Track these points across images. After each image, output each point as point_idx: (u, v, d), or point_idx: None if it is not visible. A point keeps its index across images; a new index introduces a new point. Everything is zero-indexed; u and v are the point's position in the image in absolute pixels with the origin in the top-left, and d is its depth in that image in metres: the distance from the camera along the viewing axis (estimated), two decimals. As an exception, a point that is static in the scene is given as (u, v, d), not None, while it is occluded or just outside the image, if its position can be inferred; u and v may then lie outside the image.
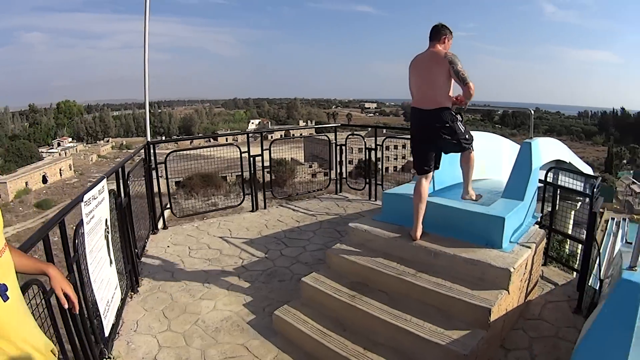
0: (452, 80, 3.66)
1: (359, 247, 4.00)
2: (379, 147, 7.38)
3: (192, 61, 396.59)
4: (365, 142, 7.51)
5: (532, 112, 4.48)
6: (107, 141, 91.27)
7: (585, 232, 4.01)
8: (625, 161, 67.51)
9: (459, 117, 3.84)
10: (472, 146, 3.92)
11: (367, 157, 7.48)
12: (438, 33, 3.72)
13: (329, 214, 6.66)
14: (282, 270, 4.79)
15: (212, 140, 44.58)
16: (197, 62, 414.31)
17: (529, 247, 3.60)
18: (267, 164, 7.17)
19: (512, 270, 3.20)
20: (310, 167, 35.60)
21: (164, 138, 70.43)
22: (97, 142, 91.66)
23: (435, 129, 3.73)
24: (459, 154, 3.99)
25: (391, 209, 4.24)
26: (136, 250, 4.52)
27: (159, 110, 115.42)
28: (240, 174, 6.89)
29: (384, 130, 8.78)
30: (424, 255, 3.60)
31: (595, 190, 4.03)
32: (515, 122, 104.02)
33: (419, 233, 3.79)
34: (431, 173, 3.92)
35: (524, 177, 4.10)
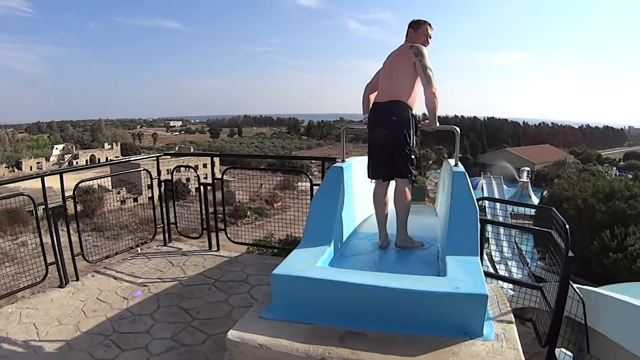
0: (419, 82, 3.64)
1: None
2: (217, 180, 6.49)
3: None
4: (198, 174, 6.59)
5: (458, 131, 3.92)
6: None
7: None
8: (431, 162, 76.69)
9: (418, 130, 3.78)
10: (414, 177, 3.78)
11: (203, 193, 6.42)
12: (408, 28, 3.80)
13: (165, 280, 5.43)
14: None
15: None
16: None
17: (512, 322, 3.05)
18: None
19: None
20: (119, 193, 35.35)
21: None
22: None
23: (386, 124, 3.66)
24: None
25: (289, 299, 3.08)
26: None
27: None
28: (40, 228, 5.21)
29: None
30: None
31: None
32: (321, 133, 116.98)
33: (384, 240, 3.83)
34: (387, 180, 3.85)
35: (472, 221, 3.52)
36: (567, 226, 3.91)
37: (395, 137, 3.65)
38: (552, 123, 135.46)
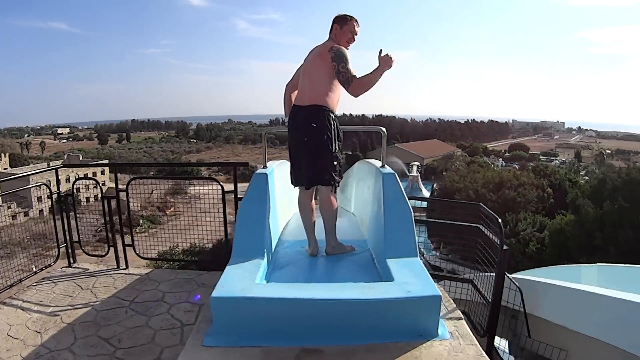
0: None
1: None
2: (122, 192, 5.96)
3: None
4: (100, 187, 6.10)
5: (385, 132, 4.08)
6: None
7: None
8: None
9: (340, 135, 3.74)
10: (337, 185, 3.80)
11: (107, 207, 5.94)
12: (333, 24, 3.75)
13: (76, 307, 4.95)
14: None
15: None
16: None
17: (461, 318, 3.26)
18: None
19: None
20: (9, 208, 33.57)
21: None
22: None
23: (306, 131, 3.64)
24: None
25: (233, 322, 2.91)
26: None
27: None
28: None
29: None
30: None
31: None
32: (210, 135, 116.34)
33: (314, 248, 3.86)
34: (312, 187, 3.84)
35: (409, 222, 3.63)
36: (500, 220, 4.20)
37: (316, 144, 3.65)
38: (439, 119, 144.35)
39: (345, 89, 3.57)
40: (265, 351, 2.74)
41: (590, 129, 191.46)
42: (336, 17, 3.76)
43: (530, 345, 4.47)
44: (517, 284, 4.40)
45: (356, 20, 3.74)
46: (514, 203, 30.59)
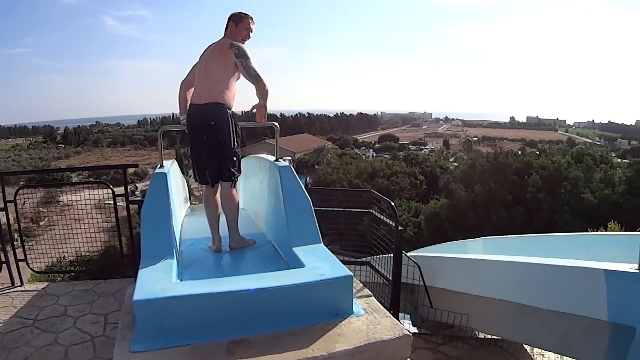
0: (236, 79, 3.78)
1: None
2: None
3: None
4: None
5: (278, 127, 4.24)
6: None
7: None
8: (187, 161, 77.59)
9: (237, 131, 3.85)
10: (237, 179, 3.98)
11: None
12: (229, 21, 3.83)
13: None
14: None
15: None
16: None
17: (370, 295, 3.56)
18: None
19: (409, 333, 3.01)
20: None
21: None
22: None
23: (206, 128, 3.71)
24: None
25: (159, 324, 2.86)
26: None
27: None
28: None
29: None
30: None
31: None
32: (79, 139, 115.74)
33: (218, 244, 3.94)
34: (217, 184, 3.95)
35: (309, 211, 3.87)
36: (393, 203, 4.53)
37: (216, 141, 3.73)
38: (309, 113, 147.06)
39: (255, 84, 3.67)
40: (194, 348, 2.77)
41: (457, 119, 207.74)
42: (232, 15, 3.85)
43: (433, 315, 4.88)
44: (414, 260, 4.78)
45: (251, 18, 3.86)
46: (388, 191, 32.20)
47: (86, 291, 5.13)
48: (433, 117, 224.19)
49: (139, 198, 5.66)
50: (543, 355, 4.71)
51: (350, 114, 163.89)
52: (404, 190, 34.02)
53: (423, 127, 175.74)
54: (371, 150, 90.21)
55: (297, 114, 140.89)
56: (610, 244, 4.69)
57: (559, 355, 4.60)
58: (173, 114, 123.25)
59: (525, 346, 4.82)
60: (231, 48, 3.65)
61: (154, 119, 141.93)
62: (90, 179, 42.47)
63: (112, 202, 5.31)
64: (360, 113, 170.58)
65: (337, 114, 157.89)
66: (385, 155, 70.53)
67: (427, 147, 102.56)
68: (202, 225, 4.34)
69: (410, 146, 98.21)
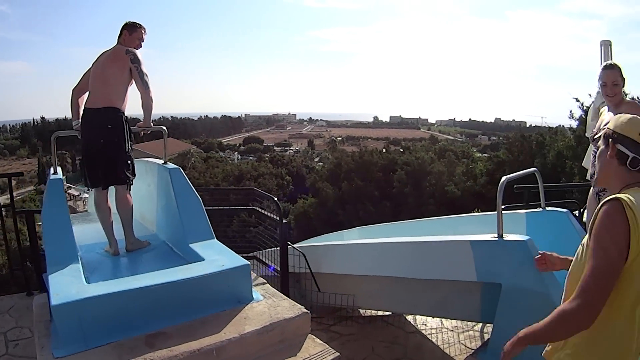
0: (130, 85, 3.92)
1: None
2: None
3: None
4: None
5: (166, 130, 4.46)
6: None
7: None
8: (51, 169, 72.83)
9: (131, 135, 3.99)
10: (132, 183, 4.08)
11: None
12: (123, 30, 3.98)
13: None
14: None
15: None
16: None
17: (265, 282, 3.92)
18: None
19: (307, 310, 3.38)
20: None
21: None
22: None
23: (102, 132, 3.80)
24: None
25: (79, 326, 2.89)
26: None
27: None
28: None
29: None
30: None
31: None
32: None
33: (116, 248, 4.00)
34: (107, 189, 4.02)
35: (200, 209, 4.14)
36: (276, 199, 4.87)
37: (112, 145, 3.84)
38: (172, 117, 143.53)
39: (143, 90, 3.89)
40: (116, 346, 2.86)
41: (321, 119, 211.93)
42: (126, 24, 4.00)
43: (322, 300, 5.25)
44: (299, 250, 5.14)
45: (144, 28, 4.05)
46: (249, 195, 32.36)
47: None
48: (297, 118, 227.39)
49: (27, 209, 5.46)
50: (426, 324, 5.27)
51: (214, 117, 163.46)
52: (272, 191, 34.51)
53: (287, 128, 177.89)
54: (236, 153, 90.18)
55: (160, 118, 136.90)
56: (470, 223, 5.34)
57: (439, 322, 5.22)
58: (34, 119, 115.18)
59: (409, 318, 5.40)
60: (127, 54, 3.81)
61: (14, 125, 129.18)
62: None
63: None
64: (225, 115, 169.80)
65: (201, 117, 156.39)
66: (251, 158, 70.90)
67: (292, 148, 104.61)
68: (90, 230, 4.41)
69: (275, 148, 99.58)
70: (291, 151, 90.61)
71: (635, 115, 1.66)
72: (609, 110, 3.36)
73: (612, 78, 3.32)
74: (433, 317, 5.26)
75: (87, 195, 18.46)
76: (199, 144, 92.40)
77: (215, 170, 39.86)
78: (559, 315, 1.58)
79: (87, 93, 3.97)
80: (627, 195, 1.55)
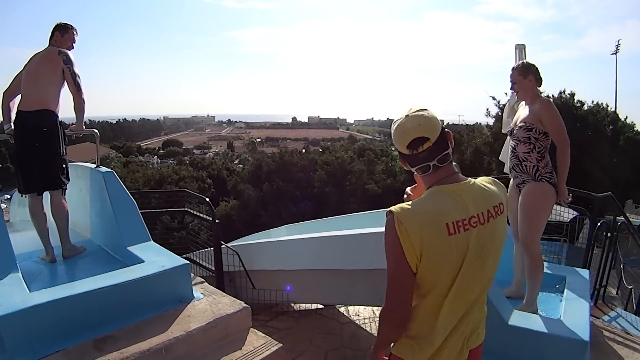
0: (63, 86, 3.86)
1: None
2: None
3: None
4: None
5: (98, 133, 4.41)
6: None
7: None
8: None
9: (65, 138, 3.95)
10: (67, 187, 4.02)
11: None
12: (53, 32, 3.92)
13: None
14: None
15: None
16: None
17: (203, 281, 3.98)
18: None
19: (247, 305, 3.51)
20: None
21: None
22: None
23: (37, 135, 3.74)
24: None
25: (25, 337, 2.81)
26: None
27: None
28: None
29: None
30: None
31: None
32: None
33: (52, 255, 3.92)
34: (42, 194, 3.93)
35: (136, 212, 4.17)
36: (208, 200, 4.94)
37: (47, 148, 3.77)
38: (90, 120, 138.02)
39: (75, 92, 3.83)
40: (65, 353, 2.82)
41: (240, 121, 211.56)
42: (57, 25, 3.93)
43: (257, 297, 5.35)
44: (233, 249, 5.22)
45: (75, 30, 3.99)
46: (177, 196, 31.87)
47: None
48: (216, 120, 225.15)
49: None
50: (359, 315, 5.48)
51: (132, 120, 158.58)
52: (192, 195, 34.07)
53: (207, 130, 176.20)
54: (156, 156, 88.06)
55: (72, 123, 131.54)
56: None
57: (371, 311, 5.43)
58: None
59: (341, 309, 5.57)
60: (60, 55, 3.75)
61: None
62: None
63: None
64: (143, 118, 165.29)
65: (118, 120, 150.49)
66: (171, 161, 69.40)
67: (211, 150, 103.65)
68: (21, 238, 4.21)
69: (194, 150, 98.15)
70: (211, 154, 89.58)
71: (400, 123, 1.79)
72: (525, 105, 3.65)
73: (513, 78, 3.63)
74: (366, 307, 5.46)
75: (4, 205, 17.34)
76: (118, 149, 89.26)
77: (136, 175, 38.67)
78: (379, 318, 1.72)
79: (19, 96, 3.87)
80: (404, 205, 1.62)
